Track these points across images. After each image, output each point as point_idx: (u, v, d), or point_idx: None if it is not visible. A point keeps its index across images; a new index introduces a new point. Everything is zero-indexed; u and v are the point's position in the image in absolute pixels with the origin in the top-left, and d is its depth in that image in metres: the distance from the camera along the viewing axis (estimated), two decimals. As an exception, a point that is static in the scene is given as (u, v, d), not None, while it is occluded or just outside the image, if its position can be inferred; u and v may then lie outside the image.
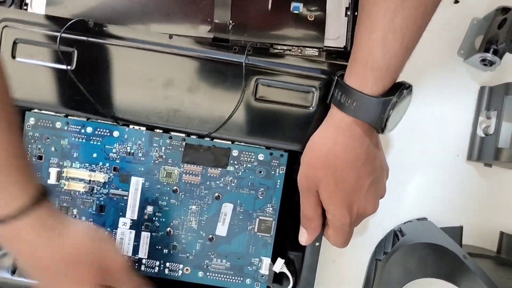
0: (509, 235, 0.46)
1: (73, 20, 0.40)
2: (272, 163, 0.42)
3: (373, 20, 0.34)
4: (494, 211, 0.48)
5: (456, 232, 0.45)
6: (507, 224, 0.48)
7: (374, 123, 0.36)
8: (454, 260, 0.41)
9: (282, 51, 0.46)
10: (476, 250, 0.47)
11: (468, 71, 0.49)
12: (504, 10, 0.45)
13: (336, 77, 0.38)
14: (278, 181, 0.42)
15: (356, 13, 0.46)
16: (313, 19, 0.45)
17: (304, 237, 0.41)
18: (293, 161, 0.42)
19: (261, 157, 0.42)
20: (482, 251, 0.47)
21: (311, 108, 0.41)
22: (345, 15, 0.46)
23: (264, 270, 0.42)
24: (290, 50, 0.46)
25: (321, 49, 0.46)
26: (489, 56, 0.45)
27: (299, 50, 0.46)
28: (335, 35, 0.46)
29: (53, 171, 0.41)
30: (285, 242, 0.44)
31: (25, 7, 0.45)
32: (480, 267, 0.39)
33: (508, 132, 0.45)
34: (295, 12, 0.45)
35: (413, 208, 0.48)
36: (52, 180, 0.41)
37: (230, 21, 0.45)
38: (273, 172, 0.42)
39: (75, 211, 0.42)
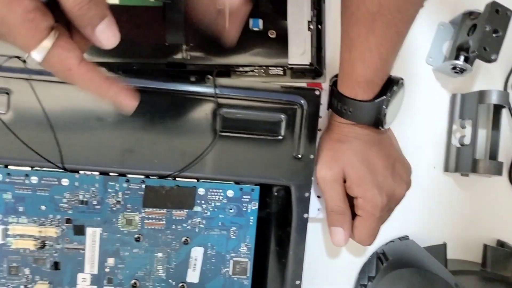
0: (493, 247, 0.44)
1: (4, 61, 0.35)
2: (243, 199, 0.38)
3: (350, 39, 0.36)
4: (475, 221, 0.47)
5: (440, 250, 0.43)
6: (490, 233, 0.47)
7: (373, 123, 0.38)
8: (444, 286, 0.39)
9: (244, 72, 0.42)
10: (461, 264, 0.45)
11: (438, 78, 0.47)
12: (472, 14, 0.43)
13: (330, 86, 0.40)
14: (251, 217, 0.39)
15: (319, 26, 0.43)
16: (274, 35, 0.42)
17: (341, 236, 0.40)
18: (265, 195, 0.39)
19: (230, 193, 0.38)
20: (467, 266, 0.45)
21: (279, 137, 0.38)
22: (308, 29, 0.43)
23: (243, 316, 0.39)
24: (253, 71, 0.43)
25: (285, 68, 0.43)
26: (460, 64, 0.43)
27: (262, 70, 0.43)
28: (299, 51, 0.43)
29: (-3, 230, 0.37)
30: (264, 282, 0.41)
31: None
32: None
33: (484, 142, 0.44)
34: (254, 29, 0.42)
35: (393, 225, 0.46)
36: (-4, 240, 0.37)
37: (184, 44, 0.41)
38: (244, 209, 0.38)
39: (27, 271, 0.38)
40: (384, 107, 0.37)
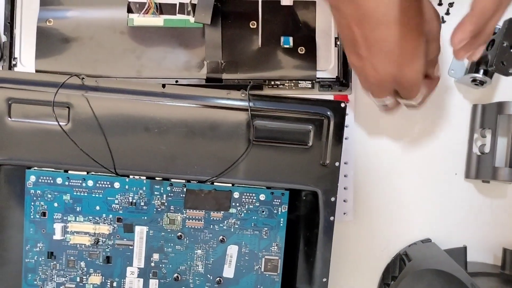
0: (512, 251, 0.47)
1: (66, 79, 0.40)
2: (273, 202, 0.42)
3: None
4: (495, 226, 0.49)
5: (460, 253, 0.46)
6: (509, 238, 0.49)
7: None
8: (461, 287, 0.41)
9: (275, 86, 0.46)
10: (481, 267, 0.47)
11: (459, 89, 0.49)
12: (491, 29, 0.46)
13: None
14: (281, 219, 0.42)
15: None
16: (303, 52, 0.46)
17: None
18: (294, 199, 0.43)
19: (262, 197, 0.42)
20: (487, 268, 0.47)
21: (308, 146, 0.41)
22: (335, 45, 0.47)
23: (274, 309, 0.43)
24: (283, 84, 0.46)
25: (314, 81, 0.46)
26: (479, 77, 0.45)
27: (292, 84, 0.46)
28: (326, 66, 0.47)
29: (58, 227, 0.42)
30: (293, 278, 0.44)
31: (14, 62, 0.45)
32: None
33: (504, 151, 0.46)
34: (285, 46, 0.45)
35: (416, 229, 0.49)
36: (57, 236, 0.42)
37: (222, 61, 0.45)
38: (275, 211, 0.42)
39: (82, 264, 0.42)
40: None
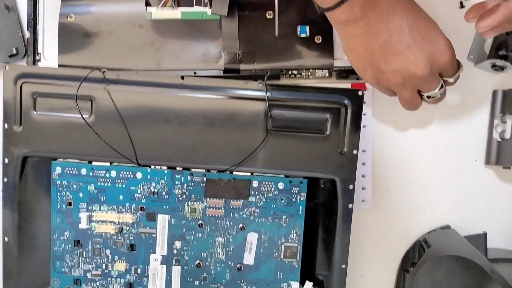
0: (534, 237, 0.46)
1: (88, 73, 0.41)
2: (292, 191, 0.43)
3: None
4: (517, 212, 0.49)
5: (480, 240, 0.46)
6: (531, 224, 0.49)
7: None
8: (481, 273, 0.41)
9: (293, 75, 0.46)
10: (501, 253, 0.47)
11: (479, 75, 0.48)
12: (512, 13, 0.45)
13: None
14: (300, 207, 0.43)
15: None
16: (320, 41, 0.46)
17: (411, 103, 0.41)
18: (313, 186, 0.43)
19: (281, 185, 0.43)
20: (507, 254, 0.47)
21: (325, 134, 0.42)
22: (352, 33, 0.47)
23: (294, 295, 0.44)
24: (300, 74, 0.46)
25: (331, 70, 0.46)
26: (499, 62, 0.45)
27: (310, 73, 0.46)
28: (343, 54, 0.46)
29: (83, 216, 0.43)
30: (312, 265, 0.45)
31: (37, 57, 0.46)
32: (506, 281, 0.39)
33: (525, 136, 0.45)
34: (302, 35, 0.46)
35: (436, 216, 0.49)
36: (83, 225, 0.43)
37: (239, 52, 0.45)
38: (294, 200, 0.43)
39: (107, 251, 0.44)
40: None
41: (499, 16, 0.35)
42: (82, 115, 0.41)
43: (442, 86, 0.39)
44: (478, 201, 0.48)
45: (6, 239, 0.43)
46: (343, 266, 0.43)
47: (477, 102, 0.48)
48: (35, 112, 0.42)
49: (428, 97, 0.40)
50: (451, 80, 0.39)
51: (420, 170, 0.49)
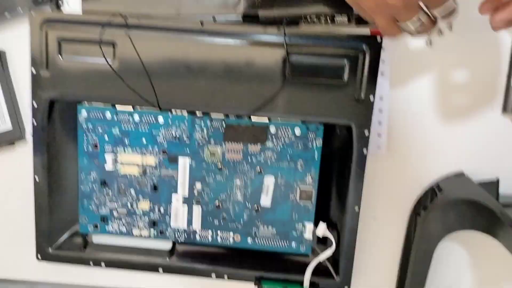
0: (547, 184, 0.47)
1: (110, 18, 0.42)
2: (309, 136, 0.44)
3: None
4: (531, 160, 0.49)
5: (492, 186, 0.47)
6: (545, 172, 0.49)
7: None
8: (491, 215, 0.43)
9: (312, 21, 0.46)
10: (514, 199, 0.48)
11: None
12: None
13: None
14: (316, 152, 0.44)
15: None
16: (340, -15, 0.45)
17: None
18: (329, 133, 0.44)
19: (297, 131, 0.44)
20: (520, 201, 0.48)
21: (343, 81, 0.42)
22: (373, -22, 0.46)
23: (308, 235, 0.46)
24: (319, 20, 0.46)
25: (350, 15, 0.46)
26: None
27: (328, 19, 0.46)
28: None
29: (109, 158, 0.45)
30: (327, 207, 0.47)
31: (60, 2, 0.47)
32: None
33: (545, 84, 0.45)
34: (321, -20, 0.45)
35: (450, 162, 0.50)
36: (109, 166, 0.46)
37: (258, -3, 0.45)
38: (310, 145, 0.44)
39: (132, 191, 0.46)
40: None
41: None
42: (106, 59, 0.42)
43: (421, 19, 0.36)
44: (493, 149, 0.49)
45: (37, 179, 0.46)
46: (356, 209, 0.44)
47: (497, 48, 0.48)
48: (60, 57, 0.43)
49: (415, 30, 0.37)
50: (435, 13, 0.35)
51: (436, 117, 0.49)
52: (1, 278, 0.53)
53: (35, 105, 0.44)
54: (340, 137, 0.46)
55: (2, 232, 0.52)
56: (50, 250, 0.48)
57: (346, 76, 0.42)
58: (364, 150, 0.43)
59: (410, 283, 0.47)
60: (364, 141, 0.43)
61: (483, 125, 0.49)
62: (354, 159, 0.43)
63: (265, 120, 0.44)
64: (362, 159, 0.43)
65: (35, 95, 0.44)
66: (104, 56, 0.42)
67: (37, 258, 0.49)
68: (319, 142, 0.44)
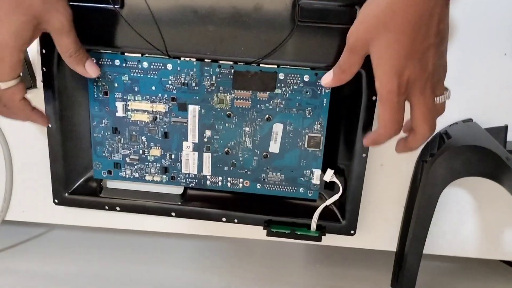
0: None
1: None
2: (317, 83, 0.44)
3: None
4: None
5: (501, 132, 0.47)
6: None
7: None
8: (497, 161, 0.43)
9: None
10: (521, 146, 0.48)
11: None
12: None
13: None
14: (324, 99, 0.44)
15: None
16: None
17: (327, 78, 0.39)
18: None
19: (306, 78, 0.44)
20: (528, 147, 0.48)
21: (353, 26, 0.41)
22: None
23: (316, 180, 0.47)
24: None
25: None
26: None
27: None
28: None
29: (119, 105, 0.46)
30: (334, 154, 0.47)
31: None
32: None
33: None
34: None
35: (458, 109, 0.49)
36: (119, 113, 0.46)
37: None
38: (319, 92, 0.44)
39: (143, 138, 0.47)
40: None
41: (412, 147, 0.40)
42: (114, 5, 0.42)
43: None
44: (503, 96, 0.48)
45: (49, 125, 0.47)
46: (364, 155, 0.45)
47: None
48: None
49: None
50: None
51: (447, 62, 0.48)
52: (20, 220, 0.55)
53: (44, 51, 0.44)
54: (349, 83, 0.45)
55: (21, 178, 0.53)
56: (66, 194, 0.50)
57: (356, 21, 0.41)
58: (373, 97, 0.43)
59: (414, 227, 0.48)
60: (374, 88, 0.43)
61: (494, 72, 0.48)
62: (363, 105, 0.43)
63: (274, 66, 0.43)
64: (371, 105, 0.43)
65: (43, 41, 0.43)
66: (111, 2, 0.42)
67: (54, 202, 0.50)
68: (328, 89, 0.44)
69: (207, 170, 0.48)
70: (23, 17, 0.36)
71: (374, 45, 0.35)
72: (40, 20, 0.37)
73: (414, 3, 0.33)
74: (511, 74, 0.48)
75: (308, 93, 0.44)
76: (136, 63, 0.44)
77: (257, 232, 0.49)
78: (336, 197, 0.47)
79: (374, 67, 0.36)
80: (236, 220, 0.49)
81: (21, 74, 0.40)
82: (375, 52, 0.35)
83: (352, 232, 0.48)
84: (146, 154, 0.48)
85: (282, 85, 0.44)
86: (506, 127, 0.47)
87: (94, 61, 0.42)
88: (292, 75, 0.44)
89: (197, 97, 0.45)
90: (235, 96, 0.45)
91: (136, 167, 0.48)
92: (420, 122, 0.37)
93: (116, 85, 0.45)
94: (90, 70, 0.42)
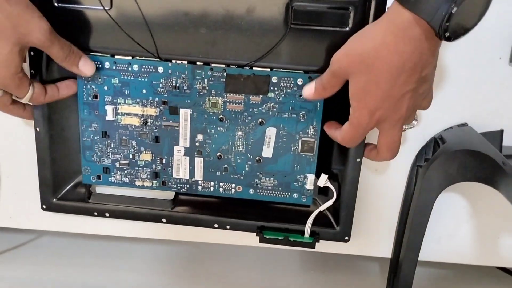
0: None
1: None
2: (311, 87, 0.43)
3: None
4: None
5: (496, 136, 0.46)
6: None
7: (433, 21, 0.32)
8: (493, 165, 0.42)
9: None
10: (517, 151, 0.48)
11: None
12: None
13: None
14: (318, 103, 0.43)
15: None
16: None
17: (309, 91, 0.41)
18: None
19: (300, 81, 0.43)
20: (523, 152, 0.48)
21: (347, 29, 0.41)
22: None
23: (309, 185, 0.46)
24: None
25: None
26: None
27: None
28: None
29: (109, 108, 0.45)
30: (328, 159, 0.47)
31: None
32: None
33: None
34: None
35: (453, 113, 0.49)
36: (109, 117, 0.45)
37: None
38: (312, 95, 0.43)
39: (134, 142, 0.46)
40: (451, 2, 0.31)
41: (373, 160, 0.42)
42: (103, 6, 0.41)
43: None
44: (499, 100, 0.48)
45: (38, 129, 0.45)
46: (358, 160, 0.44)
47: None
48: (56, 3, 0.42)
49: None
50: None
51: (441, 66, 0.48)
52: (8, 227, 0.54)
53: (32, 53, 0.43)
54: (344, 87, 0.45)
55: (8, 183, 0.52)
56: (54, 200, 0.49)
57: (350, 24, 0.41)
58: (367, 101, 0.42)
59: (409, 233, 0.47)
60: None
61: (489, 76, 0.48)
62: (357, 110, 0.43)
63: (267, 70, 0.43)
64: (365, 110, 0.43)
65: (31, 44, 0.42)
66: (100, 3, 0.41)
67: (42, 208, 0.49)
68: (321, 93, 0.43)
69: (198, 175, 0.47)
70: (7, 47, 0.37)
71: (354, 80, 0.36)
72: (21, 42, 0.37)
73: (400, 52, 0.34)
74: (506, 78, 0.48)
75: (301, 97, 0.43)
76: (126, 65, 0.44)
77: (250, 239, 0.48)
78: (330, 202, 0.46)
79: (350, 96, 0.37)
80: (228, 227, 0.48)
81: (32, 82, 0.41)
82: (353, 85, 0.37)
83: (346, 238, 0.47)
84: (137, 158, 0.47)
85: (275, 88, 0.43)
86: (501, 131, 0.46)
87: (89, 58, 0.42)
88: (285, 79, 0.43)
89: (188, 101, 0.44)
90: (228, 100, 0.44)
91: (126, 172, 0.47)
92: (384, 149, 0.40)
93: (106, 88, 0.44)
94: (83, 69, 0.42)
